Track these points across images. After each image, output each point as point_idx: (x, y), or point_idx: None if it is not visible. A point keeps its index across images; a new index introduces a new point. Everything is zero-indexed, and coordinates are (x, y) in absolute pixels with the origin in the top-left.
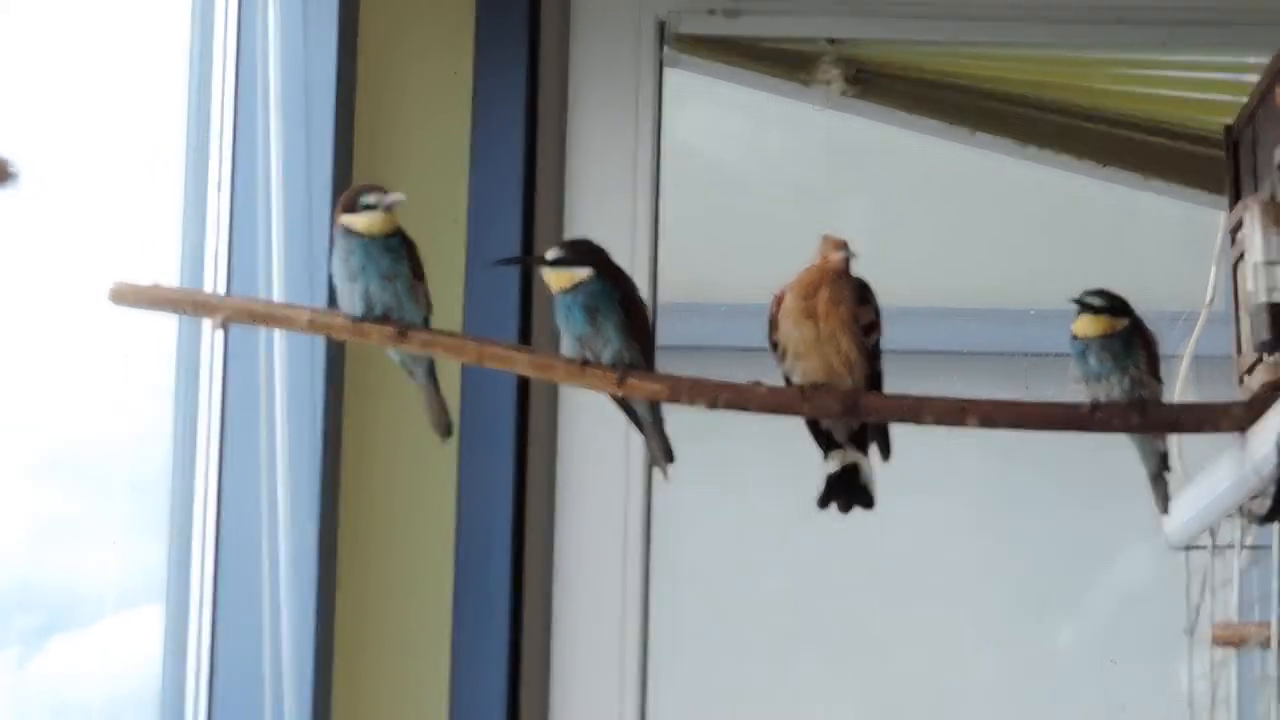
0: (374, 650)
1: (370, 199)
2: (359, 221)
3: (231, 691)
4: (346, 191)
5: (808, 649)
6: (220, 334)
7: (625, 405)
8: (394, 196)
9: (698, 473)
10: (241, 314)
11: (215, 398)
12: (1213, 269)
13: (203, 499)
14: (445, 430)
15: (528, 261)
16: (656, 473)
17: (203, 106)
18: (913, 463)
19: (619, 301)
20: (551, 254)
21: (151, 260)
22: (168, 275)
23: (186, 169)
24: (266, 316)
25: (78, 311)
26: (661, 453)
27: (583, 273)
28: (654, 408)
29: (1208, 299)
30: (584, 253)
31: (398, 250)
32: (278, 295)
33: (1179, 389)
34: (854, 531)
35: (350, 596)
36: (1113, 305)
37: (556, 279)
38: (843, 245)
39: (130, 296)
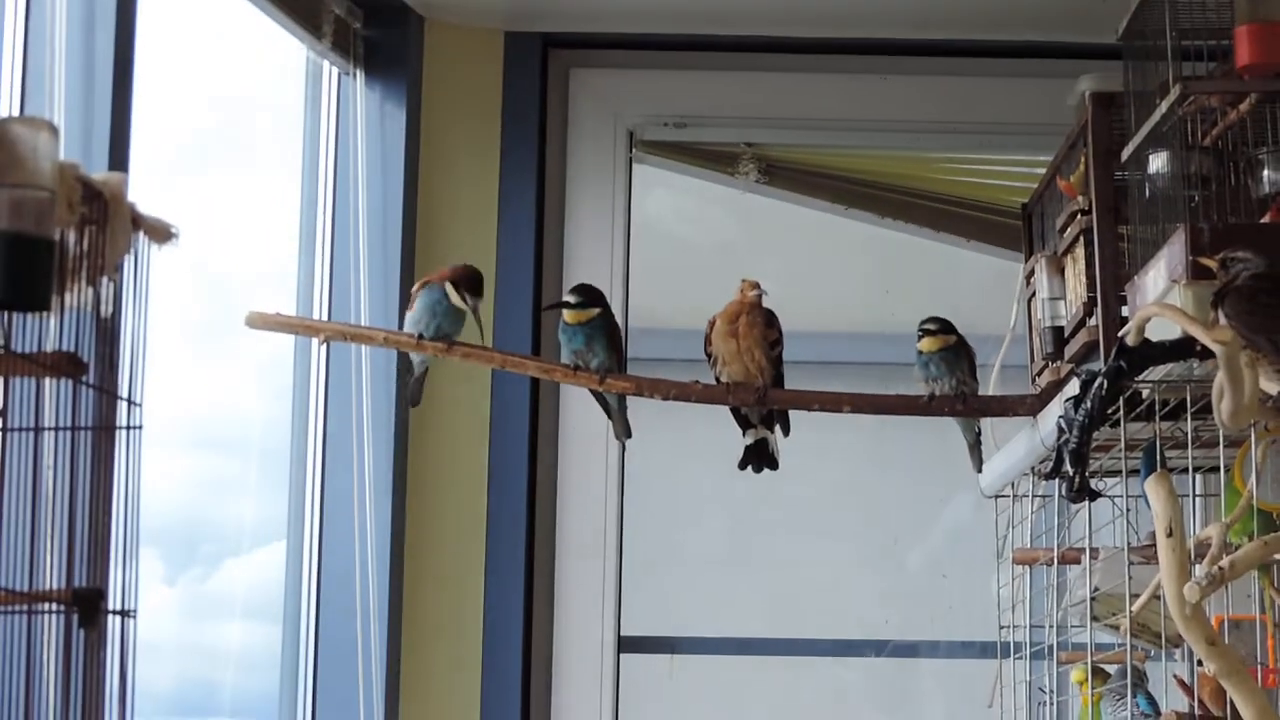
0: (432, 562)
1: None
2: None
3: (334, 599)
4: (467, 269)
5: (738, 566)
6: (323, 348)
7: (600, 397)
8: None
9: (660, 443)
10: (337, 334)
11: (320, 392)
12: (1015, 303)
13: (313, 464)
14: (415, 402)
15: (560, 305)
16: (631, 440)
17: (312, 191)
18: (812, 437)
19: (607, 329)
20: (574, 298)
21: (276, 297)
22: (287, 307)
23: (301, 235)
24: (355, 335)
25: (226, 333)
26: (623, 430)
27: (593, 311)
28: (621, 399)
29: (1011, 324)
30: (595, 297)
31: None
32: (364, 321)
33: (991, 386)
34: (769, 485)
35: (415, 530)
36: (945, 327)
37: (577, 316)
38: (756, 285)
39: (260, 321)
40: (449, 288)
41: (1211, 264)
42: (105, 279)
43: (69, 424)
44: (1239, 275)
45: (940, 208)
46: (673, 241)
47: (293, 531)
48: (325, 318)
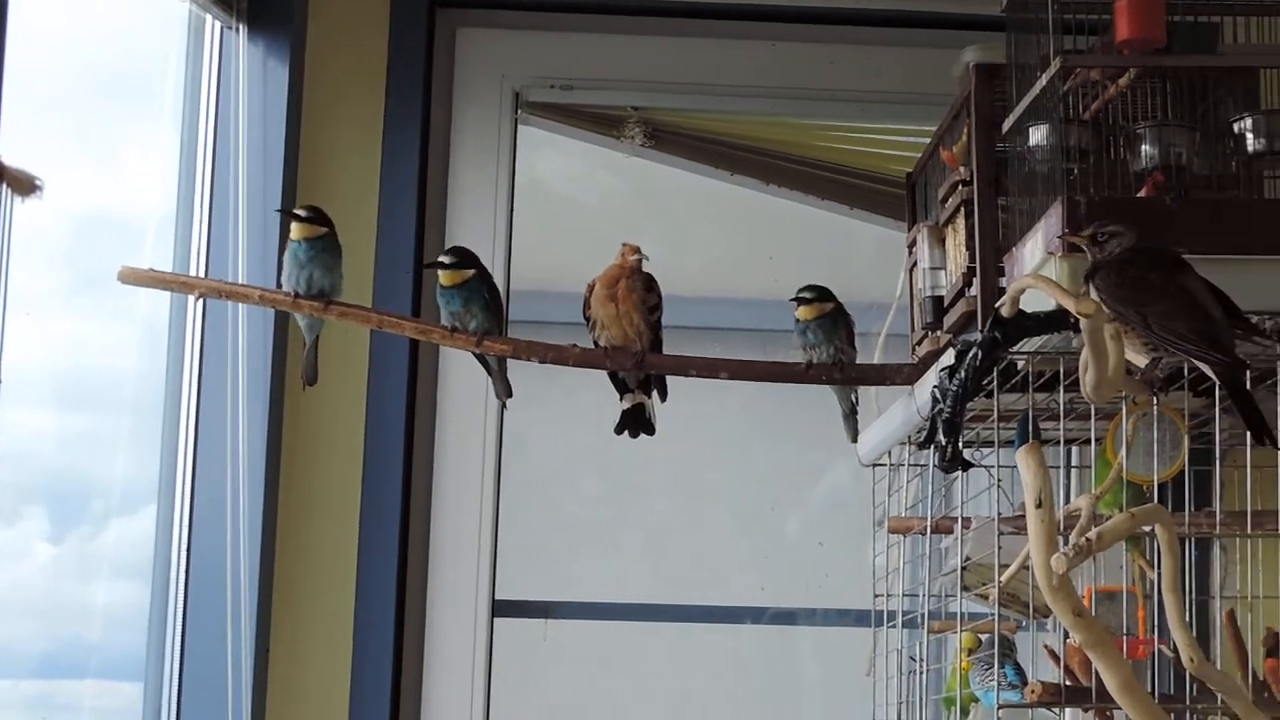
0: (306, 524)
1: (300, 211)
2: (293, 230)
3: (204, 560)
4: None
5: (615, 531)
6: (200, 304)
7: (481, 359)
8: (299, 211)
9: (541, 405)
10: (212, 291)
11: (196, 349)
12: (901, 273)
13: (186, 421)
14: (311, 380)
15: (434, 266)
16: (510, 402)
17: (192, 146)
18: (692, 402)
19: (484, 291)
20: (449, 259)
21: (154, 252)
22: (165, 262)
23: (179, 190)
24: (229, 293)
25: (101, 288)
26: (503, 390)
27: (468, 273)
28: (501, 360)
29: (897, 293)
30: (469, 258)
31: (332, 248)
32: (242, 278)
33: (877, 355)
34: (648, 449)
35: (289, 491)
36: (821, 295)
37: (450, 277)
38: (637, 250)
39: (133, 277)
40: (292, 229)
41: (1080, 240)
42: None
43: None
44: (1111, 249)
45: (825, 175)
46: (559, 203)
47: (164, 490)
48: (203, 274)
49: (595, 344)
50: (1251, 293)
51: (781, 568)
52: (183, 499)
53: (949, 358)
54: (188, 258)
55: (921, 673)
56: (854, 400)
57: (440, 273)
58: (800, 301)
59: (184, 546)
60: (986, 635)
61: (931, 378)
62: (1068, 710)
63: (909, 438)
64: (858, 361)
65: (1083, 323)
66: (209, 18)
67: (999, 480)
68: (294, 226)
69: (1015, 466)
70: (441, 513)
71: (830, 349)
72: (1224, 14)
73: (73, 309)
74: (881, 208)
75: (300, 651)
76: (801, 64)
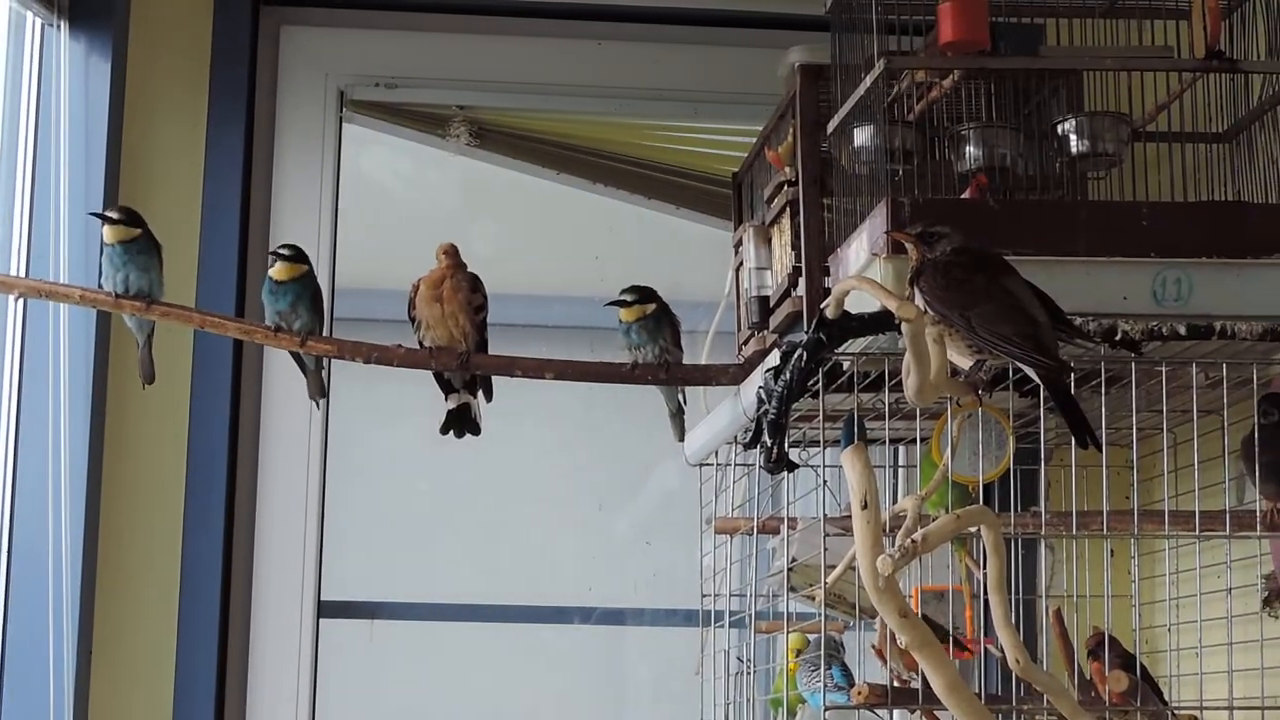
0: (129, 526)
1: (111, 214)
2: (105, 233)
3: (25, 561)
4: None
5: (442, 531)
6: (20, 303)
7: (298, 358)
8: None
9: (367, 405)
10: (32, 291)
11: (17, 348)
12: (730, 272)
13: (6, 422)
14: (149, 379)
15: (276, 256)
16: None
17: (12, 144)
18: (520, 402)
19: (312, 291)
20: (286, 251)
21: None
22: None
23: None
24: (49, 292)
25: None
26: (317, 390)
27: (302, 268)
28: (318, 360)
29: (726, 292)
30: (303, 256)
31: (148, 249)
32: (64, 278)
33: (705, 355)
34: (476, 448)
35: (111, 492)
36: (642, 297)
37: (285, 270)
38: (449, 252)
39: None
40: (104, 232)
41: (907, 239)
42: None
43: None
44: (941, 249)
45: (652, 175)
46: (386, 201)
47: None
48: (23, 273)
49: (420, 344)
50: (1074, 295)
51: (609, 567)
52: (3, 498)
53: (774, 359)
54: (8, 256)
55: (750, 673)
56: (681, 399)
57: (277, 264)
58: (621, 304)
59: (4, 546)
60: (814, 636)
61: (757, 378)
62: (895, 711)
63: (736, 438)
64: (685, 361)
65: (904, 327)
66: (29, 14)
67: (825, 481)
68: (106, 229)
69: (842, 467)
70: (267, 512)
71: (655, 349)
72: (1047, 16)
73: None
74: (708, 207)
75: (124, 652)
76: (627, 63)
